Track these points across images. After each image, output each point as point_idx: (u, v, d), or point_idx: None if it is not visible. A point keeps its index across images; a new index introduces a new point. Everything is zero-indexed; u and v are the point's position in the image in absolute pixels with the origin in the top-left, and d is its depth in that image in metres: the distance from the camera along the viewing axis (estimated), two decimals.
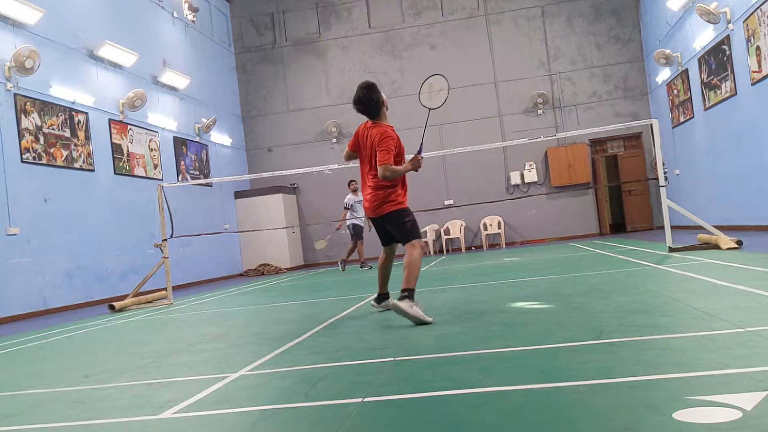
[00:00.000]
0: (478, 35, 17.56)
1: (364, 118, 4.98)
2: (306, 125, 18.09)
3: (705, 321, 3.41)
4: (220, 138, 16.77)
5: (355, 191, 12.63)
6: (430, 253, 16.75)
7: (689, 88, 13.48)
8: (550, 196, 16.84)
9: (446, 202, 16.76)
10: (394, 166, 4.67)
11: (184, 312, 7.59)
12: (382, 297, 5.29)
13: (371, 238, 16.71)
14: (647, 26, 16.30)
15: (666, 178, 10.56)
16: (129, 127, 12.57)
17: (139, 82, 13.16)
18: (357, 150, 5.02)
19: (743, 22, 10.37)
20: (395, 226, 4.86)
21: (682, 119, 14.22)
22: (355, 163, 5.23)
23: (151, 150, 13.38)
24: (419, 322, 4.36)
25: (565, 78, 17.17)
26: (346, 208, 12.72)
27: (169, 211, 9.04)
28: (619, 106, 16.93)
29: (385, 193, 4.81)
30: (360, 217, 12.53)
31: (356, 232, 12.78)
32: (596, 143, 17.27)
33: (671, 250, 8.22)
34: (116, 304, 8.59)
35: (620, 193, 17.65)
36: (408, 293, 4.49)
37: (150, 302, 9.13)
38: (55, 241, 10.04)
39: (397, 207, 4.82)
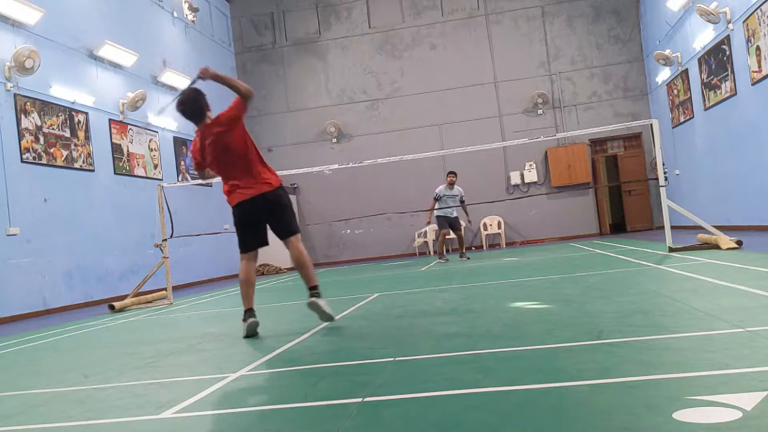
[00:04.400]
0: (478, 35, 17.56)
1: None
2: (306, 125, 18.09)
3: (705, 321, 3.41)
4: None
5: (451, 184, 12.08)
6: (430, 253, 16.76)
7: (689, 88, 13.48)
8: (550, 196, 16.84)
9: None
10: (238, 90, 4.62)
11: (184, 312, 7.59)
12: (252, 313, 4.67)
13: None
14: (647, 26, 16.30)
15: (666, 178, 10.56)
16: (129, 127, 12.57)
17: (139, 82, 13.16)
18: (211, 159, 4.73)
19: (743, 22, 10.37)
20: (282, 211, 4.72)
21: (682, 119, 14.22)
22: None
23: (151, 150, 13.39)
24: (329, 319, 4.68)
25: (565, 78, 17.17)
26: (435, 199, 12.18)
27: (169, 211, 9.04)
28: (619, 106, 16.93)
29: (267, 169, 4.74)
30: (450, 209, 12.11)
31: (440, 223, 12.50)
32: (596, 143, 17.28)
33: (671, 250, 8.22)
34: (116, 304, 8.59)
35: (620, 193, 17.65)
36: (317, 290, 4.65)
37: (150, 302, 9.13)
38: (55, 241, 10.04)
39: (280, 184, 4.77)
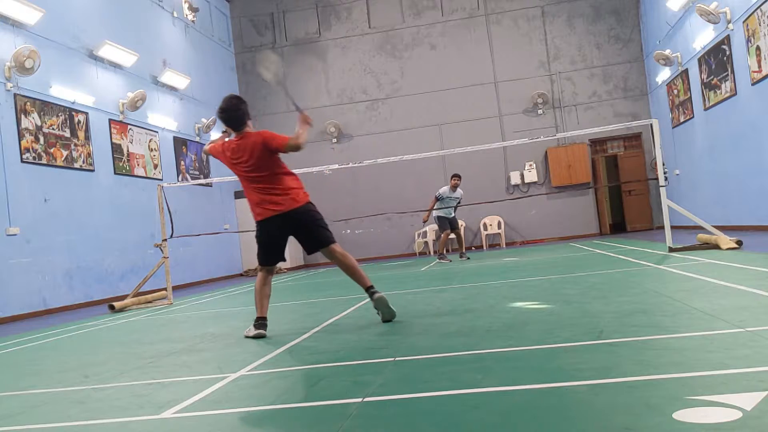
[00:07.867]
0: (478, 35, 17.56)
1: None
2: None
3: (705, 321, 3.41)
4: None
5: (454, 187, 12.03)
6: (430, 253, 16.76)
7: (689, 88, 13.48)
8: (550, 196, 16.84)
9: None
10: (295, 139, 4.58)
11: (184, 312, 7.59)
12: (263, 320, 4.65)
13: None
14: (647, 26, 16.30)
15: (666, 178, 10.56)
16: (129, 127, 12.57)
17: (139, 82, 13.16)
18: (240, 170, 4.74)
19: (743, 22, 10.37)
20: (315, 223, 4.68)
21: (682, 119, 14.22)
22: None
23: (151, 150, 13.39)
24: (391, 318, 4.62)
25: (565, 78, 17.17)
26: (437, 199, 12.12)
27: (169, 211, 9.04)
28: (619, 106, 16.93)
29: (296, 185, 4.72)
30: (449, 209, 12.09)
31: (441, 223, 12.41)
32: (596, 143, 17.28)
33: (671, 250, 8.22)
34: (116, 304, 8.59)
35: (620, 193, 17.65)
36: (374, 288, 4.71)
37: (150, 302, 9.13)
38: (55, 241, 10.04)
39: (309, 198, 4.75)
